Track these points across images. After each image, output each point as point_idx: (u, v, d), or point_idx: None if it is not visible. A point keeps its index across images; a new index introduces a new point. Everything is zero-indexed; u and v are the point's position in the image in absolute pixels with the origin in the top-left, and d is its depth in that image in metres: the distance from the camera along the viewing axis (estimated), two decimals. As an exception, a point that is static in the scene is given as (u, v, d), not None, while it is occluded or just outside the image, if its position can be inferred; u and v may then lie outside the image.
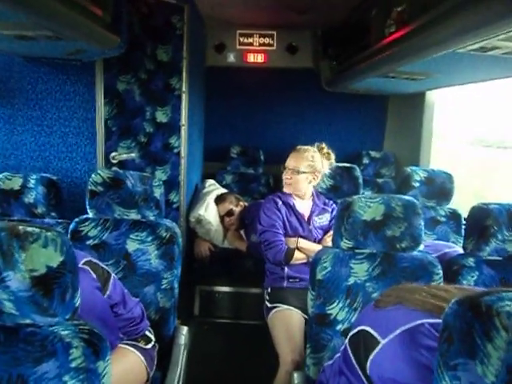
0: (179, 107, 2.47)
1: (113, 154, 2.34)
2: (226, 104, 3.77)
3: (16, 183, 1.86)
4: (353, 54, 2.66)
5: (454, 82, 2.42)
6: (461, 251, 1.70)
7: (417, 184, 2.41)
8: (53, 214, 1.93)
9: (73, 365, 0.88)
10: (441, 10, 1.35)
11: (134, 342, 1.44)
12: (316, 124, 3.80)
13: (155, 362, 1.51)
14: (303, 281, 2.00)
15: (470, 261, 1.57)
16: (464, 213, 2.38)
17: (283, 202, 2.12)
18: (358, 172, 2.55)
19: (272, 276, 2.13)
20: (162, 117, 2.46)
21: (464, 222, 2.21)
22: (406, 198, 1.47)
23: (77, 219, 1.67)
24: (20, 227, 0.83)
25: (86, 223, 1.65)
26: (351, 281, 1.46)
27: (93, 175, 1.64)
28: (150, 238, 1.65)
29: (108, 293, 1.28)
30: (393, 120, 3.72)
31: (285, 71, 3.63)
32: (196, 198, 3.05)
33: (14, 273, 0.81)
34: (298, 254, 2.03)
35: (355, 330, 0.85)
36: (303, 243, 2.06)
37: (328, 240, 2.06)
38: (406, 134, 3.49)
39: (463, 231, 2.07)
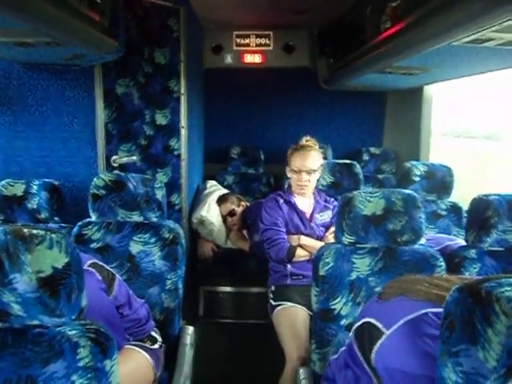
0: (178, 109, 2.48)
1: (114, 157, 2.35)
2: (224, 105, 3.79)
3: (19, 189, 1.87)
4: (349, 52, 2.67)
5: (451, 75, 2.43)
6: (463, 244, 1.71)
7: (417, 178, 2.42)
8: (56, 218, 1.94)
9: (80, 364, 0.89)
10: (434, 4, 1.36)
11: (140, 343, 1.44)
12: (315, 122, 3.81)
13: (162, 363, 1.52)
14: (306, 278, 2.01)
15: (472, 252, 1.57)
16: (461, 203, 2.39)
17: (284, 201, 2.13)
18: (358, 168, 2.55)
19: (275, 274, 2.14)
20: (161, 119, 2.47)
21: (465, 214, 2.22)
22: (406, 191, 1.47)
23: (80, 223, 1.68)
24: (25, 230, 0.84)
25: (89, 227, 1.66)
26: (354, 276, 1.47)
27: (95, 179, 1.65)
28: (153, 240, 1.66)
29: (113, 294, 1.29)
30: (391, 116, 3.73)
31: (282, 71, 3.64)
32: (197, 199, 3.06)
33: (20, 275, 0.82)
34: (300, 252, 2.04)
35: (359, 323, 0.86)
36: (305, 240, 2.07)
37: (330, 237, 2.07)
38: (405, 130, 3.50)
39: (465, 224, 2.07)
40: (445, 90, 3.10)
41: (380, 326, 0.79)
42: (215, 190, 3.15)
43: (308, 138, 2.17)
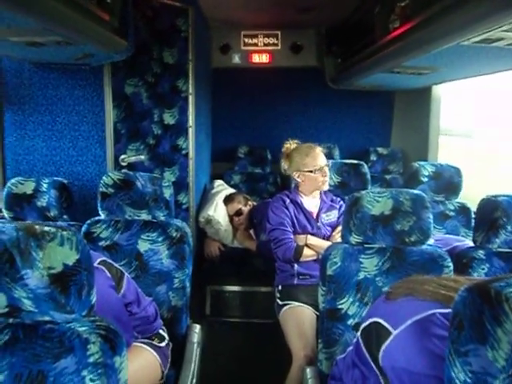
0: (186, 109, 2.49)
1: (122, 156, 2.37)
2: (232, 105, 3.79)
3: (29, 187, 1.89)
4: (357, 51, 2.66)
5: (460, 75, 2.42)
6: (471, 245, 1.70)
7: (425, 179, 2.40)
8: (65, 216, 1.96)
9: (91, 360, 0.90)
10: (444, 3, 1.35)
11: (148, 341, 1.46)
12: (322, 122, 3.80)
13: (169, 360, 1.53)
14: (313, 277, 2.00)
15: (480, 253, 1.56)
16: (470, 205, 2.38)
17: (291, 200, 2.14)
18: (365, 168, 2.55)
19: (282, 274, 2.14)
20: (169, 119, 2.49)
21: (474, 215, 2.20)
22: (415, 192, 1.47)
23: (89, 221, 1.69)
24: (37, 226, 0.85)
25: (98, 225, 1.68)
26: (361, 275, 1.46)
27: (104, 177, 1.66)
28: (160, 238, 1.67)
29: (122, 291, 1.30)
30: (399, 116, 3.71)
31: (290, 70, 3.64)
32: (205, 198, 3.07)
33: (32, 271, 0.83)
34: (307, 251, 2.04)
35: (367, 323, 0.86)
36: (312, 240, 2.06)
37: (337, 237, 2.07)
38: (413, 130, 3.48)
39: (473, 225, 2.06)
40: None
41: (387, 325, 0.79)
42: (222, 189, 3.16)
43: (294, 141, 2.23)
